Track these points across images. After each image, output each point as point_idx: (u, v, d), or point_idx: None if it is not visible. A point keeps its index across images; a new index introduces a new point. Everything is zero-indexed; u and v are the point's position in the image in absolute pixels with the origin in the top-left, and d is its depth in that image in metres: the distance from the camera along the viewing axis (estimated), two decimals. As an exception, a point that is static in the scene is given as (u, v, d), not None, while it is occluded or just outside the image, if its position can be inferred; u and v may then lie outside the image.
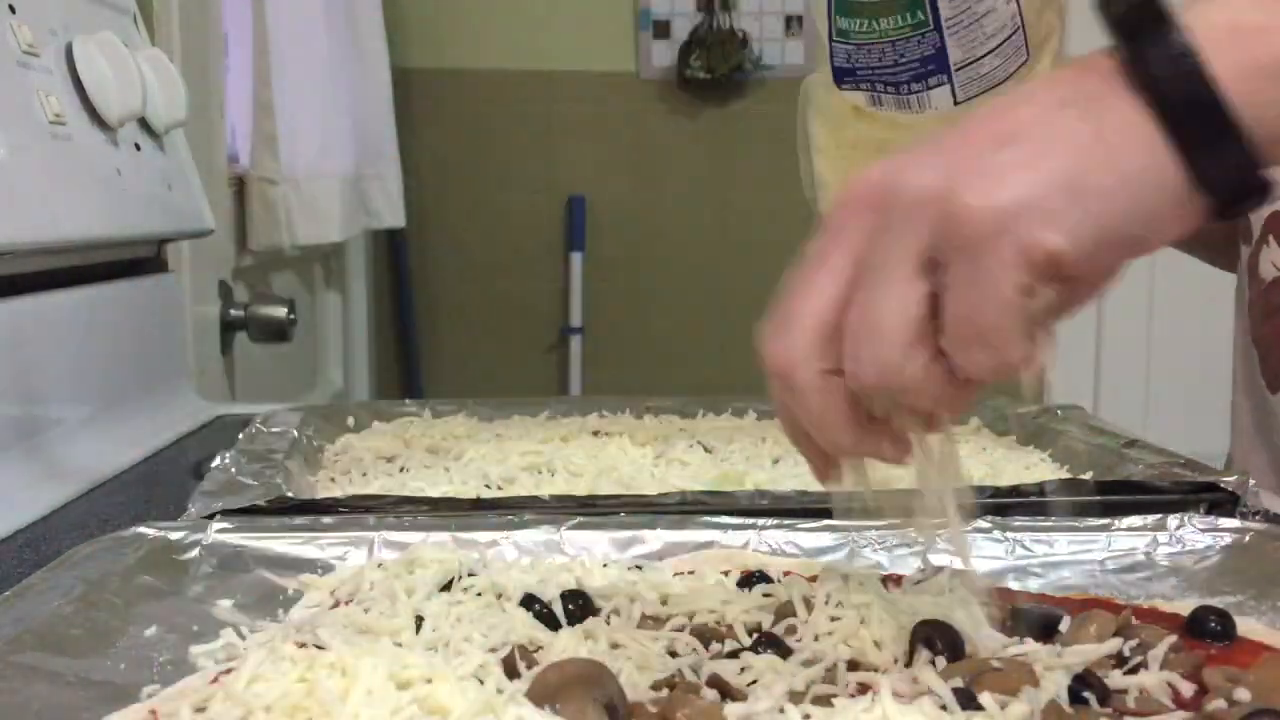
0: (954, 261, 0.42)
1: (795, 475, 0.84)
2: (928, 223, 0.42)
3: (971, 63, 0.76)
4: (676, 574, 0.59)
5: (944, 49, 0.75)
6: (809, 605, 0.53)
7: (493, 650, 0.48)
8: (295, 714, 0.42)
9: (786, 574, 0.58)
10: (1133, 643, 0.49)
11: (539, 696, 0.43)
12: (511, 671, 0.47)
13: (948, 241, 0.42)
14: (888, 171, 0.45)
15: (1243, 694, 0.44)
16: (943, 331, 0.43)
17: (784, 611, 0.53)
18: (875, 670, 0.48)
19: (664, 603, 0.54)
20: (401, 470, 0.86)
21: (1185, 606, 0.54)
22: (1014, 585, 0.59)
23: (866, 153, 0.83)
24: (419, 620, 0.52)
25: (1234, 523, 0.65)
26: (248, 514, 0.68)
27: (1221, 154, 0.42)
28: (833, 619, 0.51)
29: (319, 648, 0.47)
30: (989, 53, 0.75)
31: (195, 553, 0.61)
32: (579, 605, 0.54)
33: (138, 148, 1.08)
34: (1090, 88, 0.43)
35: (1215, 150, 0.42)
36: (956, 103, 0.77)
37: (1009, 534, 0.64)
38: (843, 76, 0.81)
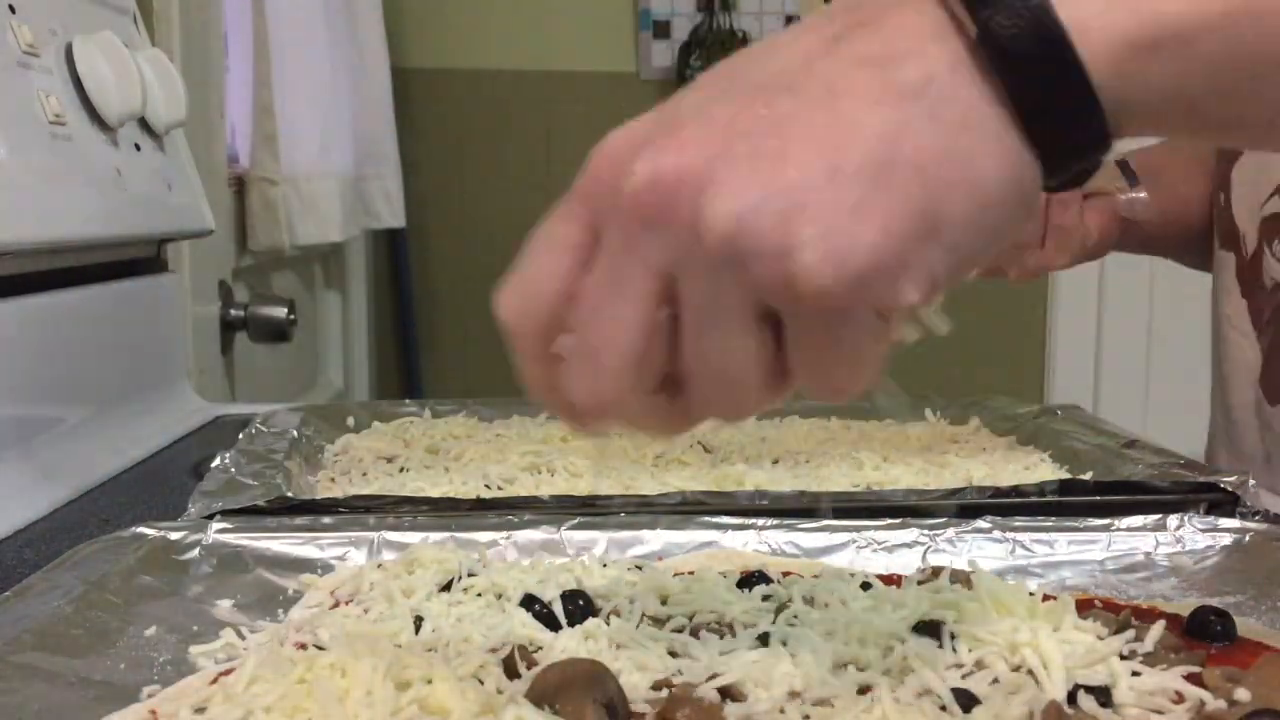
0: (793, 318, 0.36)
1: (795, 475, 0.84)
2: (718, 268, 0.35)
3: None
4: (676, 574, 0.59)
5: None
6: (811, 604, 0.53)
7: (493, 650, 0.48)
8: (295, 714, 0.42)
9: (786, 574, 0.58)
10: (1133, 643, 0.49)
11: (539, 696, 0.43)
12: (511, 672, 0.46)
13: (783, 303, 0.35)
14: (647, 162, 0.37)
15: (1243, 694, 0.44)
16: (686, 371, 0.37)
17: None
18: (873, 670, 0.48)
19: (664, 602, 0.54)
20: (401, 470, 0.86)
21: (1185, 606, 0.54)
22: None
23: None
24: (418, 620, 0.52)
25: (1234, 523, 0.65)
26: (248, 514, 0.68)
27: (1079, 136, 0.36)
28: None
29: (319, 648, 0.47)
30: None
31: (195, 553, 0.61)
32: (579, 605, 0.54)
33: (137, 148, 1.08)
34: (915, 48, 0.35)
35: (1072, 134, 0.36)
36: None
37: (1009, 534, 0.64)
38: None
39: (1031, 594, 0.53)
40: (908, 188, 0.34)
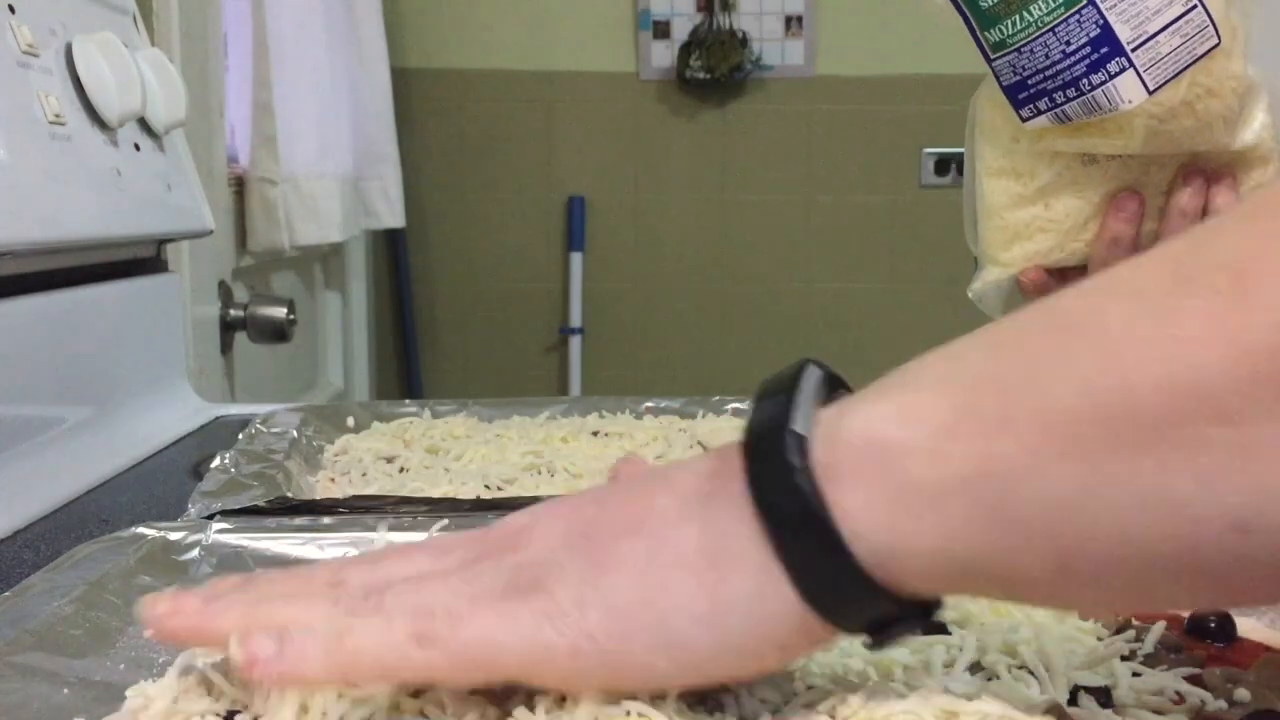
0: None
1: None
2: None
3: (1146, 40, 0.71)
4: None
5: (1108, 26, 0.71)
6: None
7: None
8: None
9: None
10: (1133, 643, 0.49)
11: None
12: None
13: None
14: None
15: (1242, 694, 0.44)
16: None
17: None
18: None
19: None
20: (401, 470, 0.86)
21: (1185, 607, 0.54)
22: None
23: (1068, 162, 0.78)
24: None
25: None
26: (248, 514, 0.68)
27: (850, 600, 0.36)
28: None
29: None
30: (1163, 29, 0.72)
31: (195, 553, 0.61)
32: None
33: (137, 148, 1.08)
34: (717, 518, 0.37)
35: (843, 597, 0.36)
36: (1150, 92, 0.73)
37: (1009, 534, 0.64)
38: (1018, 96, 0.76)
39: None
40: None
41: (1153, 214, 0.80)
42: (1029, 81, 0.75)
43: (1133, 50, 0.72)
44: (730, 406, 1.07)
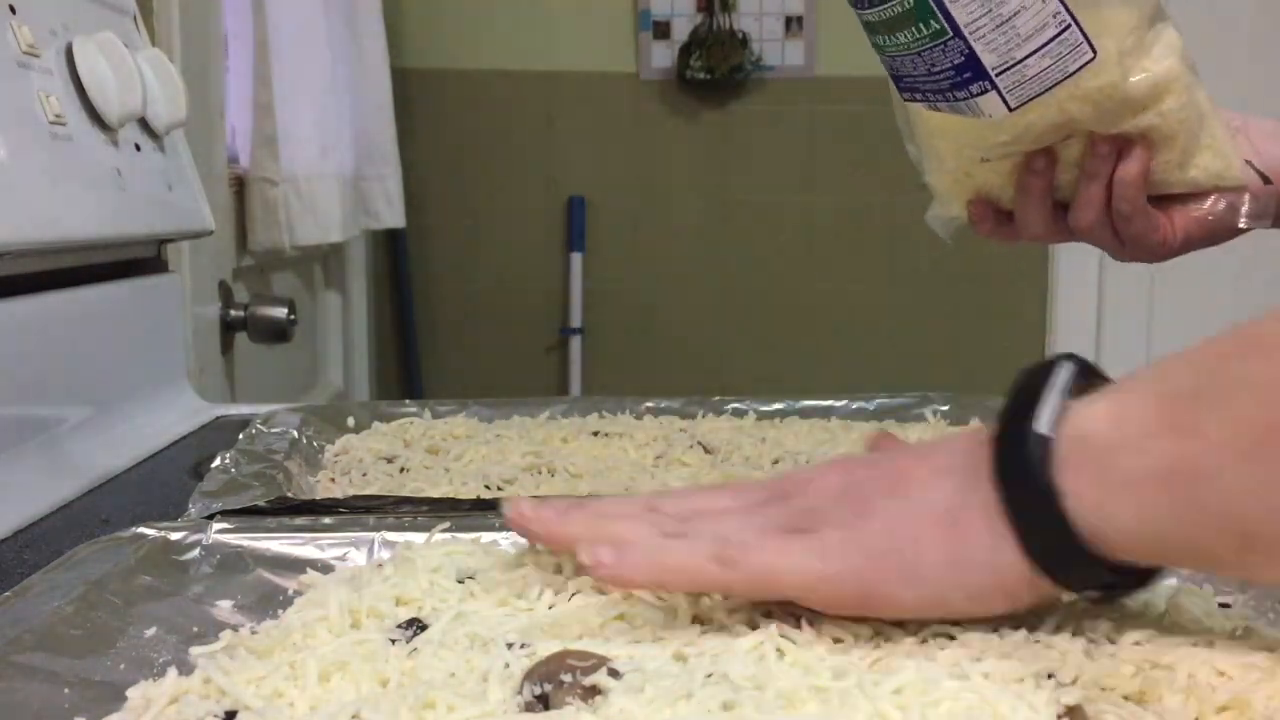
0: None
1: (795, 475, 0.84)
2: None
3: (1012, 66, 0.71)
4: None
5: (974, 55, 0.71)
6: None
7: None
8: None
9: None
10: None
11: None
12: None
13: None
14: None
15: (1243, 693, 0.44)
16: None
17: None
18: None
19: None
20: (401, 470, 0.86)
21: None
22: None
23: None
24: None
25: (1234, 523, 0.65)
26: (248, 514, 0.68)
27: (1073, 566, 0.44)
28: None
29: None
30: (1032, 54, 0.71)
31: (195, 553, 0.61)
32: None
33: (138, 148, 1.08)
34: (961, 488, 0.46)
35: (1066, 563, 0.44)
36: (1011, 109, 0.73)
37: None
38: (898, 83, 0.78)
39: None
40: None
41: (1067, 166, 0.80)
42: (903, 79, 0.76)
43: (997, 75, 0.72)
44: (730, 406, 1.07)
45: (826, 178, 3.01)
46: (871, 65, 0.79)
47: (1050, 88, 0.72)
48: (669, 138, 2.99)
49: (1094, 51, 0.71)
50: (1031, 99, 0.73)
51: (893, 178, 3.00)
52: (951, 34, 0.71)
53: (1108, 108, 0.74)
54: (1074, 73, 0.72)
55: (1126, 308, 2.99)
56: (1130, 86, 0.74)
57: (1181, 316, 2.99)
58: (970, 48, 0.71)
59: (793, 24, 2.95)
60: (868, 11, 0.74)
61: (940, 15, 0.71)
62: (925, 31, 0.72)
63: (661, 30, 2.95)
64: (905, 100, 0.79)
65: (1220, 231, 0.82)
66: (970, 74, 0.72)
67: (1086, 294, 3.01)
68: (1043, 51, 0.71)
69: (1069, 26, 0.71)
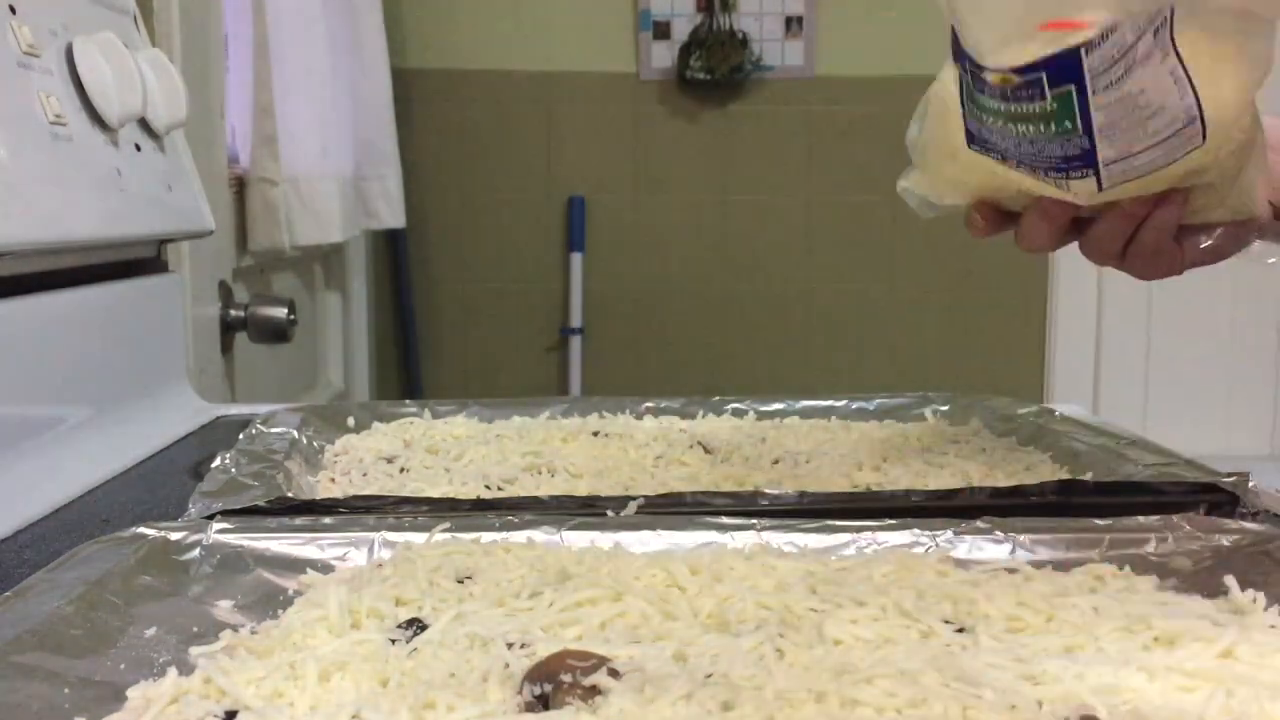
0: None
1: (795, 475, 0.84)
2: None
3: (1125, 158, 0.68)
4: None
5: (1093, 150, 0.68)
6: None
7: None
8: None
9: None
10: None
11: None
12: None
13: None
14: None
15: (1242, 694, 0.45)
16: None
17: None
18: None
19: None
20: (401, 470, 0.86)
21: (1185, 606, 0.54)
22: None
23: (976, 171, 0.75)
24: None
25: (1234, 523, 0.65)
26: (248, 514, 0.68)
27: None
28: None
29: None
30: (1149, 147, 0.67)
31: (195, 553, 0.61)
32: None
33: (138, 148, 1.08)
34: None
35: None
36: (1100, 190, 0.70)
37: (1009, 534, 0.64)
38: (972, 141, 0.73)
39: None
40: None
41: None
42: (987, 141, 0.72)
43: (1106, 166, 0.68)
44: (730, 406, 1.07)
45: (826, 178, 3.01)
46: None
47: (1149, 174, 0.69)
48: (669, 138, 2.99)
49: (1205, 138, 0.68)
50: (1122, 184, 0.70)
51: (893, 178, 2.99)
52: (1081, 133, 0.67)
53: (1187, 178, 0.71)
54: (1179, 159, 0.69)
55: (1126, 308, 2.99)
56: (1223, 158, 0.70)
57: (1181, 316, 2.99)
58: (1092, 144, 0.68)
59: (793, 24, 2.95)
60: (1002, 104, 0.69)
61: (1079, 118, 0.67)
62: (1054, 129, 0.68)
63: (661, 30, 2.95)
64: (975, 150, 0.73)
65: (1226, 256, 0.80)
66: (1080, 164, 0.69)
67: (1086, 294, 3.01)
68: (1161, 145, 0.68)
69: (1195, 120, 0.67)
